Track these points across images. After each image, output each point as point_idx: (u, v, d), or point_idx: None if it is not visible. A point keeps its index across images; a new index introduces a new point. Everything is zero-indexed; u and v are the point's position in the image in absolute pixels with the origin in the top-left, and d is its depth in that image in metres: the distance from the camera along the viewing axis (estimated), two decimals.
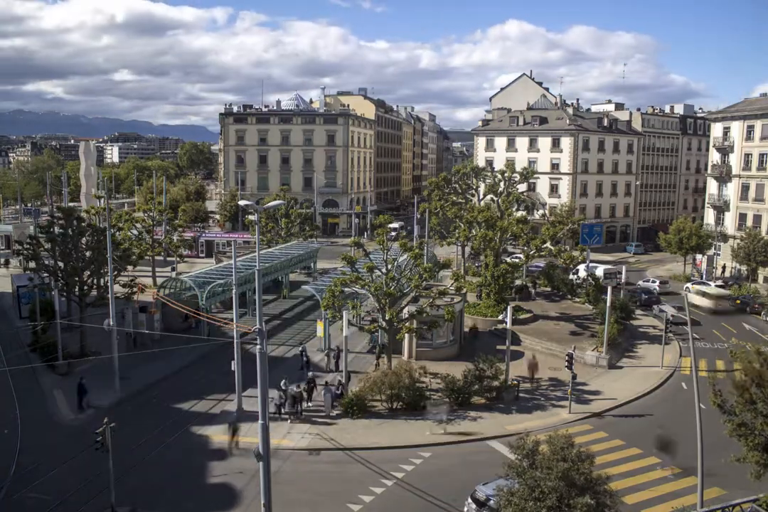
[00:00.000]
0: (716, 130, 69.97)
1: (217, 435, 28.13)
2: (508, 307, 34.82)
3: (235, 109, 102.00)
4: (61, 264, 37.48)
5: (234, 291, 32.46)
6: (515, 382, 33.17)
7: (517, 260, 51.00)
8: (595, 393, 33.77)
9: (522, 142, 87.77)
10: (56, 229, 38.26)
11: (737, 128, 66.29)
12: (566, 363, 31.98)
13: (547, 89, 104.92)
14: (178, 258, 60.60)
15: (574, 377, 31.58)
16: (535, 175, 70.67)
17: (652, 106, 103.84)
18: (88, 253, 38.33)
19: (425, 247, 43.49)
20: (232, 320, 31.99)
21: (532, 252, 47.07)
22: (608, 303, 38.26)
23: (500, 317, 43.83)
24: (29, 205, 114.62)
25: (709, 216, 70.39)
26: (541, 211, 77.31)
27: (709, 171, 71.59)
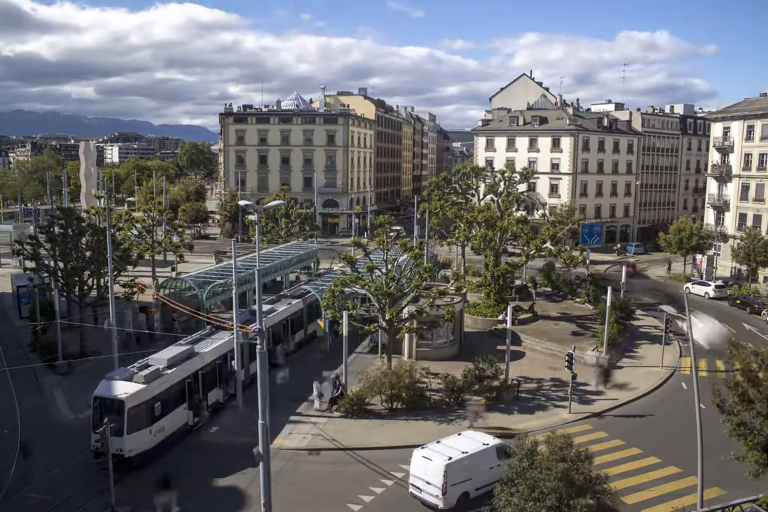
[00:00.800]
0: (716, 130, 69.95)
1: (217, 435, 28.14)
2: (508, 307, 34.83)
3: (235, 108, 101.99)
4: (61, 264, 37.47)
5: (234, 291, 32.45)
6: (515, 382, 33.19)
7: (516, 259, 50.93)
8: (595, 393, 33.77)
9: (522, 142, 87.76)
10: (56, 229, 38.24)
11: (737, 128, 66.27)
12: (566, 364, 31.98)
13: (547, 89, 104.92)
14: (178, 258, 60.58)
15: (574, 377, 31.59)
16: (535, 175, 70.60)
17: (652, 106, 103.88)
18: (88, 253, 38.32)
19: (425, 247, 43.49)
20: (232, 320, 31.97)
21: (532, 252, 47.05)
22: (608, 303, 38.24)
23: (500, 317, 43.82)
24: (29, 205, 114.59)
25: (709, 216, 70.38)
26: (541, 211, 77.27)
27: (709, 171, 71.58)
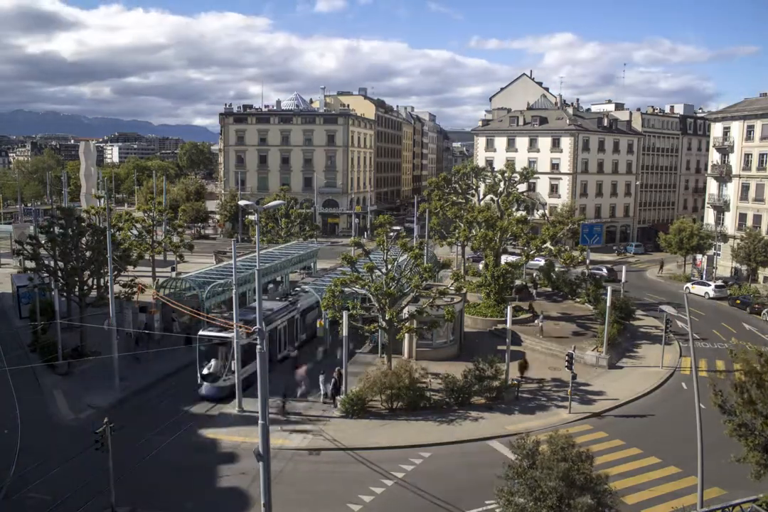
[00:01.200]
0: (716, 130, 69.96)
1: (218, 435, 28.16)
2: (508, 307, 34.83)
3: (235, 109, 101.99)
4: (61, 264, 37.45)
5: (234, 291, 32.43)
6: (515, 382, 33.18)
7: (515, 259, 50.91)
8: (595, 393, 33.78)
9: (522, 142, 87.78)
10: (56, 229, 38.22)
11: (737, 128, 66.28)
12: (566, 364, 31.99)
13: (547, 89, 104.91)
14: (178, 258, 60.56)
15: (574, 377, 31.60)
16: (535, 175, 70.61)
17: (652, 106, 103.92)
18: (88, 253, 38.30)
19: (425, 247, 43.48)
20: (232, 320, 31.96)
21: (532, 252, 47.05)
22: (608, 303, 38.25)
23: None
24: (29, 204, 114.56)
25: (709, 216, 70.40)
26: (541, 211, 77.32)
27: (709, 171, 71.59)
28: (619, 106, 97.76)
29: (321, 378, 32.26)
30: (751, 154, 65.03)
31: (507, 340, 33.43)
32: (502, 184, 60.89)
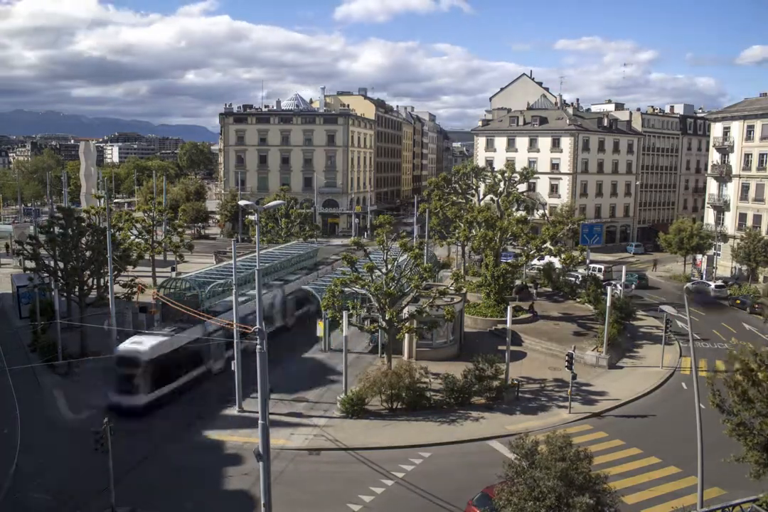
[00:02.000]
0: (716, 130, 69.99)
1: (218, 436, 28.15)
2: (508, 307, 34.82)
3: (235, 108, 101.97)
4: (61, 264, 37.46)
5: (234, 291, 32.42)
6: (515, 382, 33.18)
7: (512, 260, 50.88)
8: (595, 393, 33.80)
9: (522, 142, 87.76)
10: (56, 229, 38.23)
11: (737, 128, 66.29)
12: (566, 364, 31.99)
13: (547, 89, 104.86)
14: (178, 258, 60.54)
15: (574, 377, 31.61)
16: (535, 175, 70.62)
17: (652, 106, 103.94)
18: (88, 253, 38.31)
19: (425, 247, 43.50)
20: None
21: (532, 252, 47.05)
22: (608, 304, 38.25)
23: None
24: (29, 204, 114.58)
25: (709, 216, 70.41)
26: (541, 211, 77.24)
27: (709, 171, 71.62)
28: (619, 106, 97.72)
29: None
30: (751, 154, 65.04)
31: (507, 340, 33.43)
32: (502, 184, 60.90)
